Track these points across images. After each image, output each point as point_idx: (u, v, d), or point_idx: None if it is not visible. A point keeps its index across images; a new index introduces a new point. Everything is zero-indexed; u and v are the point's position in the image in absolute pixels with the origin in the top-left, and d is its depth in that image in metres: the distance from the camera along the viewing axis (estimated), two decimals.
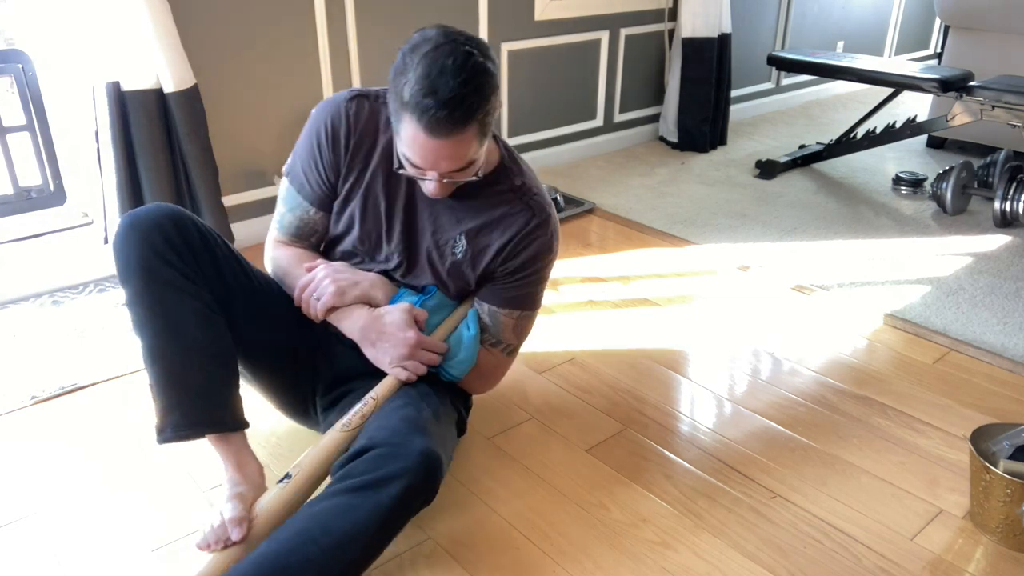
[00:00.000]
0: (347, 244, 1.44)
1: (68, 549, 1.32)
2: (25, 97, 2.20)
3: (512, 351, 1.48)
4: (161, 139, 2.12)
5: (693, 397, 1.78)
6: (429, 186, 1.27)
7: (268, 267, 1.49)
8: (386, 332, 1.33)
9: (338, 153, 1.37)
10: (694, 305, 2.20)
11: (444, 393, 1.39)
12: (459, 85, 1.14)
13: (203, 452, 1.56)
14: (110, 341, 1.93)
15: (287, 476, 1.21)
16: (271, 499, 1.20)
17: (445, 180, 1.25)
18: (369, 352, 1.35)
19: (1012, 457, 1.36)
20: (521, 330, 1.46)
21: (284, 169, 1.48)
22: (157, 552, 1.31)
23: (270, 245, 1.49)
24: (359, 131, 1.37)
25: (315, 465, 1.23)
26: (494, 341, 1.44)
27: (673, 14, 3.49)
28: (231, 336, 1.31)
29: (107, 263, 2.26)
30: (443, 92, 1.13)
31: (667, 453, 1.58)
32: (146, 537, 1.34)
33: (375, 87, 1.42)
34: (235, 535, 1.15)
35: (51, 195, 2.31)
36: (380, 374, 1.36)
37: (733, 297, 2.25)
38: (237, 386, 1.31)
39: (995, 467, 1.35)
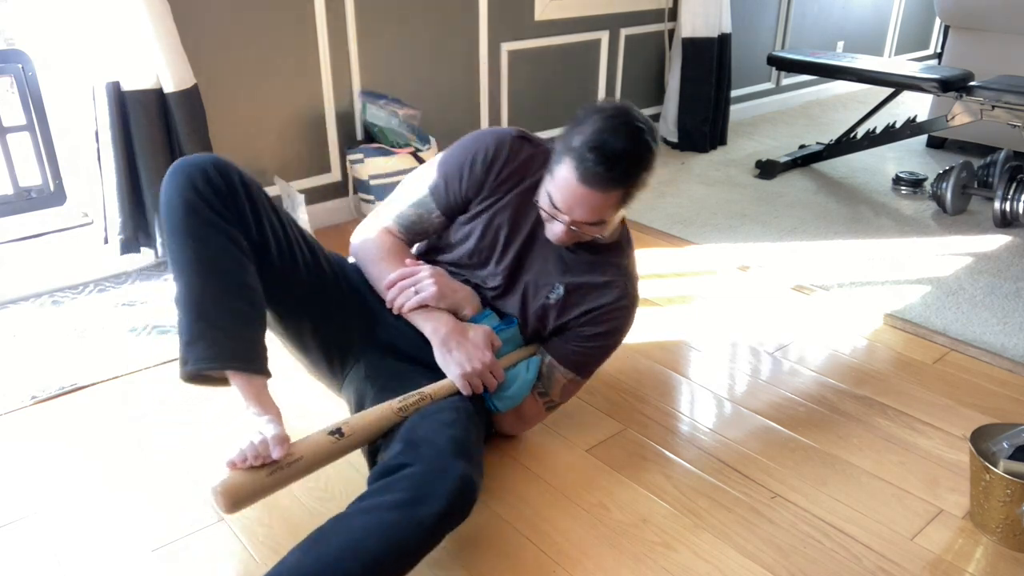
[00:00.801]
0: (456, 253, 1.53)
1: (68, 549, 1.32)
2: (25, 97, 2.20)
3: (552, 408, 1.56)
4: (161, 139, 2.12)
5: (693, 397, 1.78)
6: (556, 229, 1.37)
7: (355, 242, 1.55)
8: (466, 345, 1.40)
9: (487, 177, 1.47)
10: (694, 305, 2.20)
11: (483, 415, 1.45)
12: (623, 151, 1.27)
13: (203, 452, 1.56)
14: (110, 341, 1.93)
15: (338, 431, 1.24)
16: (318, 445, 1.23)
17: (573, 228, 1.35)
18: (441, 356, 1.40)
19: (1012, 457, 1.36)
20: (567, 392, 1.54)
21: (420, 170, 1.55)
22: (157, 552, 1.31)
23: (370, 227, 1.55)
24: (513, 166, 1.47)
25: (366, 434, 1.27)
26: (543, 391, 1.52)
27: (673, 14, 3.49)
28: (262, 283, 1.34)
29: (107, 263, 2.26)
30: (607, 150, 1.26)
31: (667, 453, 1.58)
32: (146, 537, 1.34)
33: (536, 133, 1.56)
34: (276, 453, 1.17)
35: (51, 195, 2.31)
36: (428, 366, 1.42)
37: (733, 297, 2.25)
38: (263, 331, 1.33)
39: (995, 467, 1.35)
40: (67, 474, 1.49)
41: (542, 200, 1.37)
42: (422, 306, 1.44)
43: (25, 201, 2.28)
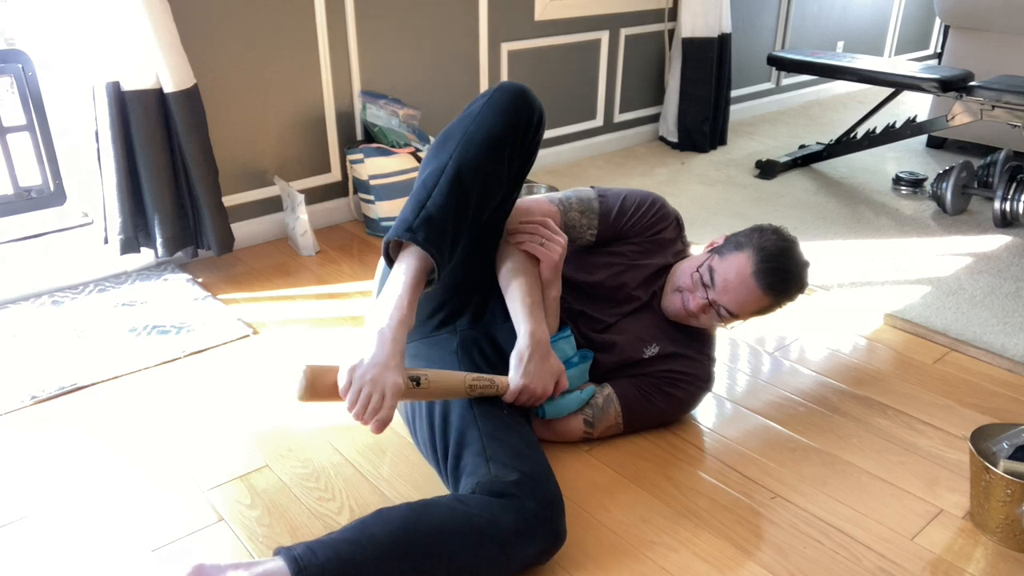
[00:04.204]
0: (580, 276, 1.60)
1: (68, 549, 1.32)
2: (25, 97, 2.20)
3: (585, 437, 1.58)
4: (161, 139, 2.12)
5: None
6: (696, 301, 1.52)
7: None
8: (543, 368, 1.41)
9: (650, 228, 1.63)
10: None
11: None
12: (795, 275, 1.51)
13: (203, 452, 1.56)
14: (110, 341, 1.93)
15: (417, 380, 1.28)
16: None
17: (711, 307, 1.52)
18: (518, 358, 1.40)
19: (1012, 457, 1.36)
20: (606, 428, 1.58)
21: (601, 189, 1.66)
22: (157, 552, 1.31)
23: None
24: (667, 234, 1.64)
25: (438, 392, 1.32)
26: (590, 420, 1.56)
27: (673, 14, 3.49)
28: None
29: (107, 263, 2.26)
30: (784, 265, 1.49)
31: (667, 453, 1.58)
32: (146, 537, 1.34)
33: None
34: (374, 429, 1.20)
35: (51, 195, 2.31)
36: (502, 371, 1.48)
37: None
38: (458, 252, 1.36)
39: (995, 467, 1.35)
40: (67, 474, 1.49)
41: (699, 272, 1.53)
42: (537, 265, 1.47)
43: (25, 201, 2.28)
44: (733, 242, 1.55)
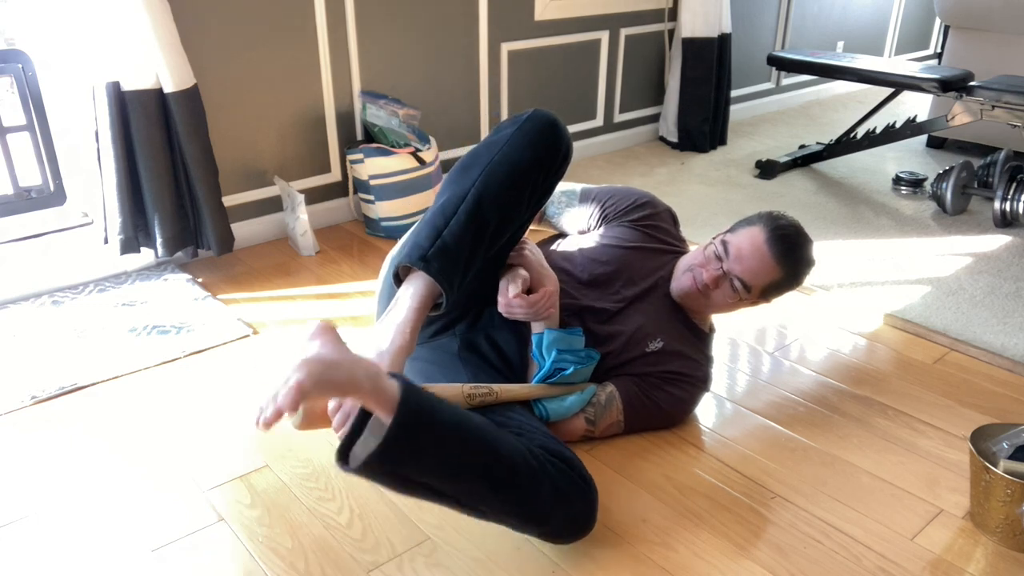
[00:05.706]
0: (578, 262, 1.63)
1: (68, 549, 1.32)
2: (25, 97, 2.20)
3: (587, 435, 1.58)
4: (161, 139, 2.12)
5: None
6: (710, 273, 1.54)
7: None
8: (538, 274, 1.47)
9: (633, 208, 1.70)
10: None
11: None
12: (805, 249, 1.56)
13: (203, 452, 1.56)
14: (110, 341, 1.93)
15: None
16: None
17: (725, 278, 1.53)
18: (506, 284, 1.43)
19: (1012, 457, 1.36)
20: (607, 426, 1.58)
21: (585, 186, 1.80)
22: (157, 552, 1.31)
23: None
24: (654, 221, 1.70)
25: None
26: (592, 419, 1.55)
27: (673, 14, 3.49)
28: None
29: (107, 263, 2.26)
30: (797, 240, 1.55)
31: (667, 453, 1.58)
32: (146, 537, 1.34)
33: None
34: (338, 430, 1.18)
35: (51, 195, 2.31)
36: (509, 377, 1.50)
37: None
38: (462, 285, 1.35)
39: (995, 467, 1.35)
40: (67, 474, 1.49)
41: (712, 247, 1.56)
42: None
43: (25, 201, 2.28)
44: (743, 221, 1.59)
